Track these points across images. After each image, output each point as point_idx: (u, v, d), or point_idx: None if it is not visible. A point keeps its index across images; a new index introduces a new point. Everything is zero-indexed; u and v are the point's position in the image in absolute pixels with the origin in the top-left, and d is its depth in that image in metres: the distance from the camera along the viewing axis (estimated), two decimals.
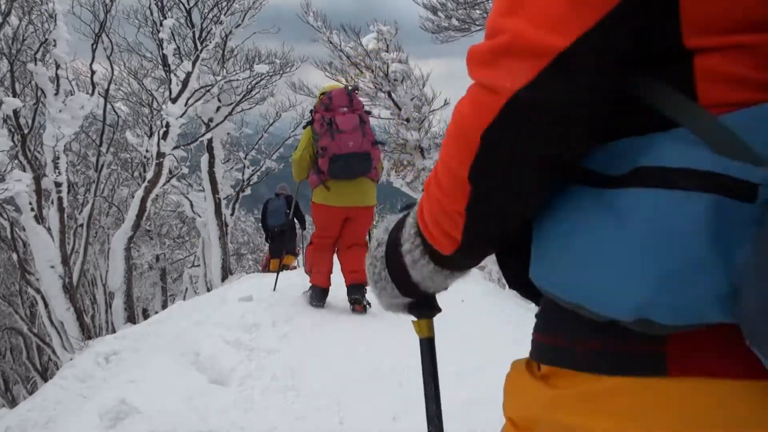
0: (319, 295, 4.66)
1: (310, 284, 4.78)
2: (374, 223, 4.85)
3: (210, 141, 12.33)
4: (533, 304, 0.67)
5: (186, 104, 10.50)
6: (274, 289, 5.34)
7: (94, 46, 10.21)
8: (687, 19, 0.49)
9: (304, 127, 4.43)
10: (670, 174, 0.48)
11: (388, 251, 0.74)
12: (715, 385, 0.49)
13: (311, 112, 4.35)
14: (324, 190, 4.27)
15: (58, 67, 8.58)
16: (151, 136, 12.55)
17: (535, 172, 0.54)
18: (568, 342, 0.57)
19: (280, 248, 8.53)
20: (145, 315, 15.32)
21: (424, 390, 0.89)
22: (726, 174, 0.46)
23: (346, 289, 4.57)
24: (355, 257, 4.49)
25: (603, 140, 0.54)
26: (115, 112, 12.50)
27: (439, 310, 0.81)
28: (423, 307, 0.79)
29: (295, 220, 9.22)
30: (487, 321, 4.84)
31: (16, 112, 8.49)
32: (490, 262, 15.78)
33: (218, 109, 12.09)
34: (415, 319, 0.82)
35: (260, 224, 10.68)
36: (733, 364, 0.48)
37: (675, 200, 0.47)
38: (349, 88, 4.35)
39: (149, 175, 10.34)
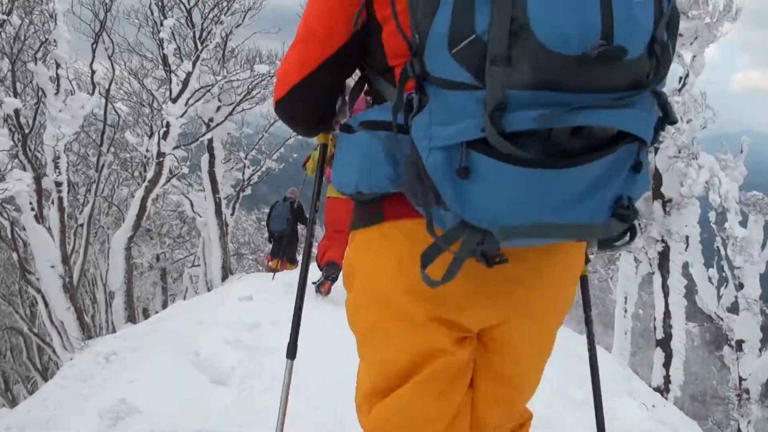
0: (335, 270, 4.93)
1: (325, 264, 5.00)
2: None
3: (210, 141, 12.32)
4: None
5: (186, 104, 10.49)
6: (273, 278, 5.54)
7: (95, 46, 10.20)
8: (388, 53, 1.05)
9: None
10: (371, 123, 1.06)
11: None
12: (405, 222, 1.05)
13: None
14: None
15: (58, 66, 8.57)
16: (151, 135, 12.53)
17: (299, 115, 1.24)
18: (353, 216, 1.18)
19: (279, 251, 9.11)
20: (146, 315, 15.32)
21: (313, 188, 1.57)
22: (396, 122, 0.93)
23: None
24: None
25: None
26: (115, 111, 12.49)
27: (332, 129, 1.36)
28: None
29: (298, 225, 9.57)
30: None
31: (16, 112, 8.48)
32: None
33: (219, 108, 12.09)
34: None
35: (265, 225, 10.96)
36: (409, 211, 0.99)
37: (371, 136, 1.05)
38: None
39: (149, 174, 10.33)
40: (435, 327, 1.06)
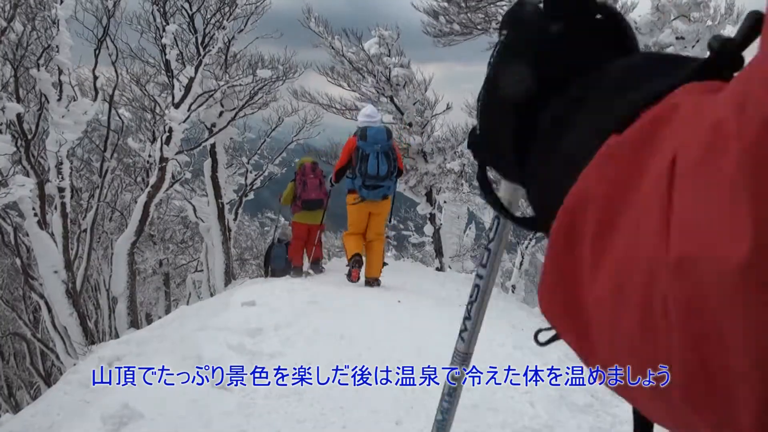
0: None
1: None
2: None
3: (213, 146, 12.33)
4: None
5: (189, 109, 10.51)
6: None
7: (97, 52, 10.24)
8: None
9: (292, 181, 7.83)
10: (348, 176, 6.54)
11: None
12: (355, 194, 6.40)
13: (295, 173, 7.76)
14: (299, 211, 7.79)
15: (61, 72, 8.61)
16: (154, 141, 12.56)
17: (338, 176, 6.53)
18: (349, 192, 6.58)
19: None
20: (149, 320, 15.34)
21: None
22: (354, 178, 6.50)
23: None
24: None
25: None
26: (119, 117, 12.52)
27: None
28: None
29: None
30: (489, 325, 4.83)
31: (19, 118, 8.52)
32: None
33: (221, 114, 12.10)
34: None
35: (263, 263, 12.14)
36: (355, 191, 6.47)
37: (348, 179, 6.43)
38: (314, 161, 7.90)
39: (152, 180, 10.35)
40: (362, 211, 6.18)
